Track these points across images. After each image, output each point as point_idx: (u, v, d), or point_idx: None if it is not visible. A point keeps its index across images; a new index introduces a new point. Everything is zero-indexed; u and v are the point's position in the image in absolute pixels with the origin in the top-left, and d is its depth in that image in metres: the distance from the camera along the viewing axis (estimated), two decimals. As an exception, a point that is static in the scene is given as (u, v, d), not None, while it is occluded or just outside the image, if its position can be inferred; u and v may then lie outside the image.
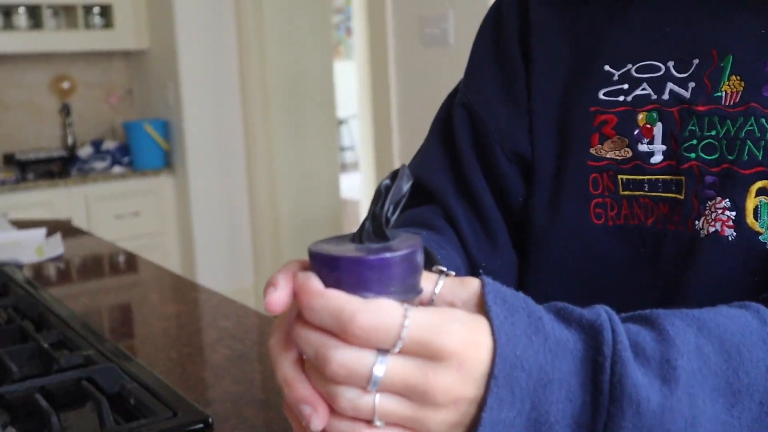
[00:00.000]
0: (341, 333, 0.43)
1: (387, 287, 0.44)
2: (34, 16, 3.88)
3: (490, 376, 0.43)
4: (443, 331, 0.43)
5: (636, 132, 0.69)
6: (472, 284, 0.47)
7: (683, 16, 0.69)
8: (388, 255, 0.44)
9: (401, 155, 3.33)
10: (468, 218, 0.78)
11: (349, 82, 7.24)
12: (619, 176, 0.70)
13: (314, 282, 0.44)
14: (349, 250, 0.45)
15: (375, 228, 0.45)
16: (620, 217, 0.71)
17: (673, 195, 0.67)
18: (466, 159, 0.79)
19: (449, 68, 2.93)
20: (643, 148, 0.69)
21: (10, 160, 3.95)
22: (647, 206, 0.69)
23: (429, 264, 0.51)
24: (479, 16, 0.85)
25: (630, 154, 0.70)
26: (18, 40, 3.82)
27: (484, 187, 0.78)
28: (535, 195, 0.76)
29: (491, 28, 0.82)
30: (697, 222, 0.66)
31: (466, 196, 0.79)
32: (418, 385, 0.43)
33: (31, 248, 1.72)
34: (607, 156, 0.71)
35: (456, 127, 0.80)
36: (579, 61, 0.74)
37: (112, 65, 4.36)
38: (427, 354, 0.43)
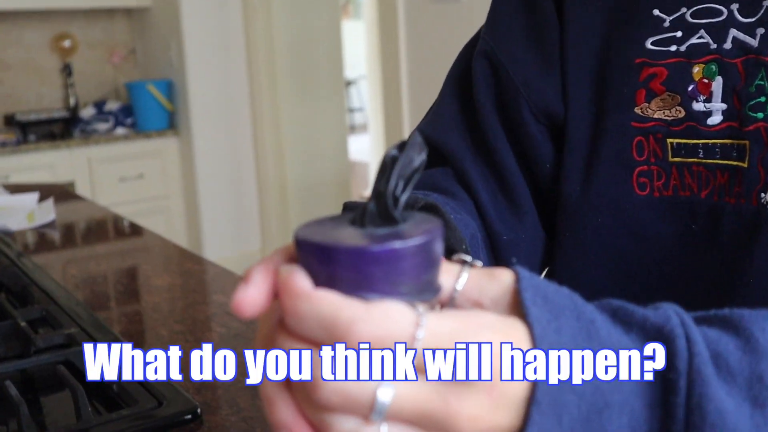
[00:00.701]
0: None
1: (396, 286, 0.34)
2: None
3: (531, 400, 0.34)
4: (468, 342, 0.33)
5: (690, 88, 0.59)
6: (504, 278, 0.37)
7: None
8: (397, 245, 0.33)
9: (411, 116, 3.22)
10: (487, 183, 0.68)
11: (358, 41, 7.10)
12: (669, 140, 0.60)
13: (300, 280, 0.34)
14: (347, 236, 0.34)
15: (380, 210, 0.35)
16: (668, 187, 0.60)
17: (734, 162, 0.57)
18: (486, 116, 0.68)
19: (461, 25, 2.81)
20: (698, 106, 0.59)
21: (10, 121, 3.85)
22: (701, 175, 0.59)
23: (449, 246, 0.41)
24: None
25: (682, 114, 0.59)
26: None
27: (506, 149, 0.68)
28: (567, 161, 0.65)
29: None
30: (763, 194, 0.56)
31: (484, 159, 0.68)
32: (437, 413, 0.33)
33: (22, 214, 1.63)
34: (655, 116, 0.60)
35: (476, 80, 0.69)
36: (622, 6, 0.64)
37: (114, 23, 4.24)
38: None
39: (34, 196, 1.76)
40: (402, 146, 0.35)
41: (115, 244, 1.52)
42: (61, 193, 1.94)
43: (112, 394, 0.83)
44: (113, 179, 3.86)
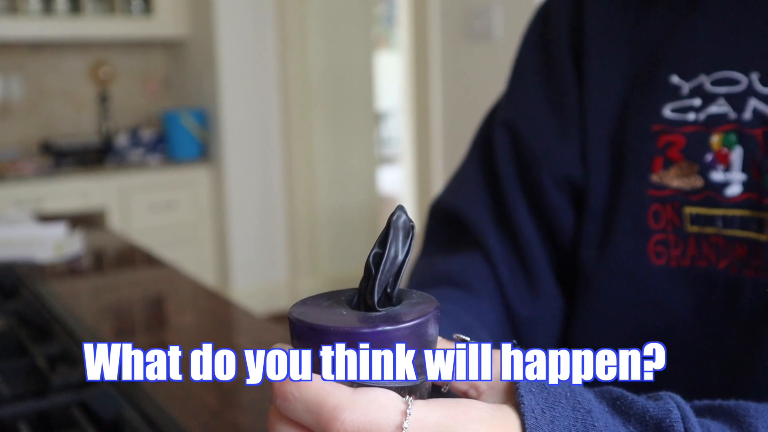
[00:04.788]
0: None
1: None
2: (74, 0, 3.83)
3: None
4: None
5: (709, 157, 0.58)
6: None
7: None
8: (387, 327, 0.33)
9: (442, 151, 3.23)
10: (508, 262, 0.67)
11: (394, 72, 7.13)
12: (687, 209, 0.59)
13: None
14: (339, 318, 0.34)
15: (370, 309, 0.35)
16: (686, 257, 0.59)
17: (754, 235, 0.56)
18: (507, 187, 0.68)
19: (494, 64, 2.81)
20: (717, 176, 0.58)
21: (46, 147, 3.92)
22: (720, 246, 0.58)
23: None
24: (527, 10, 0.74)
25: (700, 184, 0.58)
26: (57, 27, 3.78)
27: (526, 221, 0.67)
28: (585, 226, 0.64)
29: (538, 33, 0.70)
30: None
31: (505, 230, 0.68)
32: None
33: (49, 245, 1.65)
34: (673, 185, 0.59)
35: (496, 151, 0.69)
36: (640, 71, 0.63)
37: (151, 53, 4.31)
38: None
39: (61, 227, 1.78)
40: (386, 235, 0.35)
41: (139, 280, 1.53)
42: (89, 222, 1.96)
43: (126, 439, 0.83)
44: (144, 208, 3.90)
